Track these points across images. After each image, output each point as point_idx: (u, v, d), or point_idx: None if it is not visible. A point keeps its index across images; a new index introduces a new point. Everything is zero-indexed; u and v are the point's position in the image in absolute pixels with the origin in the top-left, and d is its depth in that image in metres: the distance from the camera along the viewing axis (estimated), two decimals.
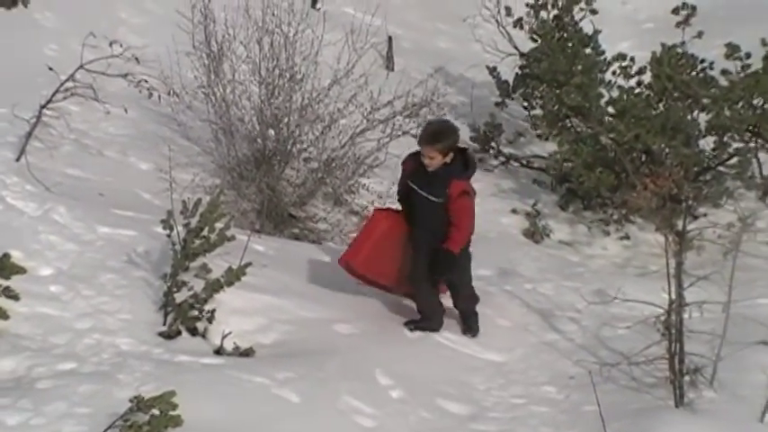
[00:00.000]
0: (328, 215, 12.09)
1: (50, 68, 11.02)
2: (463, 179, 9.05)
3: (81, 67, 10.80)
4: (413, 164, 9.17)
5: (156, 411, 6.81)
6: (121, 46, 10.75)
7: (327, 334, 9.04)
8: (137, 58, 10.94)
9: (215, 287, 8.72)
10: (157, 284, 8.90)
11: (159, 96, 11.39)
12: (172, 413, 6.83)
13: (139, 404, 6.82)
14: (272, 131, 11.99)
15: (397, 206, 9.60)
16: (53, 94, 10.75)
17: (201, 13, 12.08)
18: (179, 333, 8.59)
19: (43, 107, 10.75)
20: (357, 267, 9.32)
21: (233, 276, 8.74)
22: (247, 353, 8.53)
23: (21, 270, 7.86)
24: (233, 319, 8.78)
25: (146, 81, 11.01)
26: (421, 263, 9.22)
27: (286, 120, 11.94)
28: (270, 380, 7.89)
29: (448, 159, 8.94)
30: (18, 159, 10.39)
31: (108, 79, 11.00)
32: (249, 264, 8.83)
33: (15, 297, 7.88)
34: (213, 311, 8.73)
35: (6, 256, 7.81)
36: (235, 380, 7.82)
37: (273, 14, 12.05)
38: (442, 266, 9.14)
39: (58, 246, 9.16)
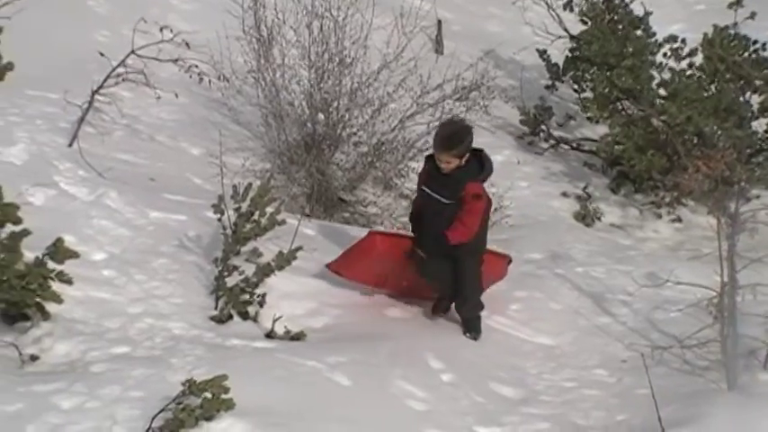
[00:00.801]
0: (378, 199, 12.08)
1: (102, 54, 11.09)
2: (478, 181, 8.80)
3: (132, 52, 10.87)
4: (426, 168, 9.00)
5: (208, 395, 6.84)
6: (172, 31, 10.81)
7: (378, 318, 9.05)
8: (187, 44, 10.99)
9: (266, 271, 8.74)
10: (208, 269, 8.95)
11: (210, 81, 11.44)
12: (224, 396, 6.86)
13: (192, 387, 6.85)
14: (321, 116, 11.99)
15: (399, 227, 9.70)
16: (104, 80, 10.82)
17: None
18: (230, 317, 8.63)
19: (95, 93, 10.82)
20: (345, 276, 9.28)
21: (283, 261, 8.77)
22: (298, 337, 8.55)
23: (74, 254, 7.91)
24: (284, 303, 8.81)
25: (196, 66, 11.06)
26: (431, 261, 8.94)
27: (335, 104, 11.94)
28: (321, 364, 7.90)
29: (464, 161, 8.73)
30: (70, 145, 10.46)
31: (159, 65, 11.05)
32: (300, 248, 8.85)
33: (69, 281, 7.95)
34: (264, 295, 8.76)
35: (60, 240, 7.86)
36: (286, 363, 7.84)
37: None
38: (437, 245, 8.83)
39: (111, 231, 9.21)
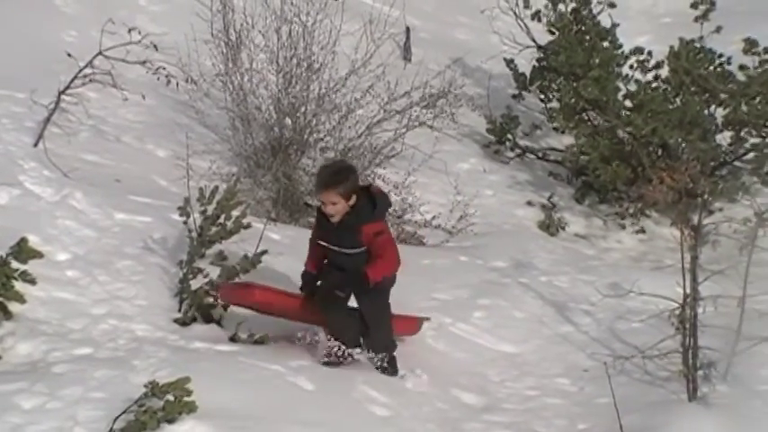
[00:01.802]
0: None
1: (69, 54, 11.05)
2: (373, 221, 7.96)
3: (100, 53, 10.84)
4: (317, 221, 8.30)
5: (170, 397, 6.82)
6: (140, 33, 10.78)
7: None
8: (155, 46, 10.97)
9: (230, 274, 8.74)
10: (173, 271, 8.93)
11: (177, 84, 11.42)
12: (186, 399, 6.85)
13: (154, 390, 6.84)
14: (288, 120, 12.00)
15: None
16: (71, 80, 10.79)
17: (220, 2, 12.10)
18: (194, 320, 8.61)
19: (62, 93, 10.79)
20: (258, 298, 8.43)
21: (248, 264, 8.77)
22: (262, 340, 8.54)
23: (38, 254, 7.90)
24: None
25: (164, 68, 11.04)
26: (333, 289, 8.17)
27: (303, 109, 11.94)
28: (284, 368, 7.90)
29: (352, 202, 7.87)
30: (36, 145, 10.43)
31: (126, 66, 11.03)
32: (265, 252, 8.86)
33: (32, 281, 7.92)
34: None
35: (24, 240, 7.85)
36: (249, 367, 7.83)
37: (292, 3, 12.06)
38: (356, 286, 8.12)
39: (75, 231, 9.18)
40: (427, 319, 9.12)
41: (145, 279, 8.84)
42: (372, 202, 7.98)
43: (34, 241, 8.13)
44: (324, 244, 8.11)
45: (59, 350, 7.74)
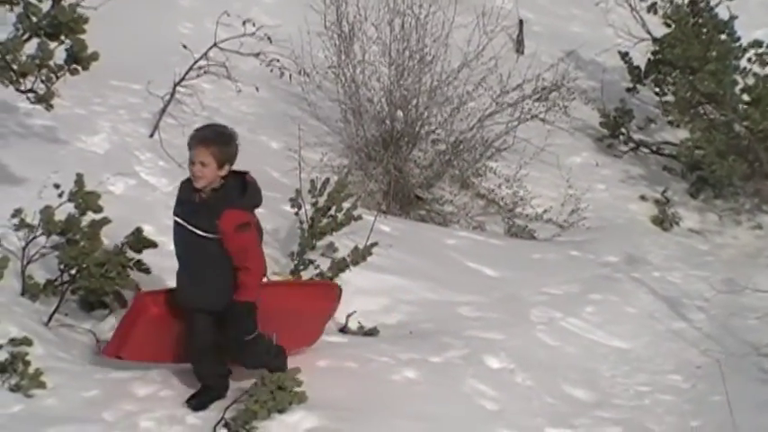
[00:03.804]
0: (455, 197, 12.07)
1: (185, 47, 11.16)
2: (239, 208, 6.81)
3: (214, 45, 10.93)
4: (179, 194, 7.03)
5: (280, 387, 6.87)
6: (254, 25, 10.84)
7: (452, 316, 9.03)
8: (269, 38, 11.02)
9: (341, 266, 8.77)
10: (284, 262, 8.99)
11: (290, 76, 11.48)
12: (297, 389, 6.89)
13: (265, 380, 6.90)
14: (400, 113, 12.01)
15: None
16: (186, 72, 10.91)
17: None
18: None
19: (177, 85, 10.91)
20: (126, 357, 7.20)
21: (359, 256, 8.79)
22: (371, 332, 8.57)
23: (152, 244, 7.98)
24: (358, 299, 8.81)
25: (277, 60, 11.10)
26: (198, 328, 7.03)
27: (415, 101, 11.95)
28: (393, 360, 7.92)
29: (223, 173, 6.75)
30: (152, 135, 10.56)
31: (240, 58, 11.11)
32: (375, 244, 8.87)
33: (147, 271, 8.02)
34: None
35: (139, 230, 7.94)
36: (358, 359, 7.86)
37: None
38: (239, 323, 6.94)
39: None
40: (339, 288, 8.10)
41: None
42: (243, 189, 6.88)
43: (149, 231, 8.20)
44: (178, 221, 6.90)
45: None
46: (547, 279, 10.04)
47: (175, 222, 6.91)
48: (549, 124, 12.46)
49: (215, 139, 6.74)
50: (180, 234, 6.91)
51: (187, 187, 6.87)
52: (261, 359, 7.19)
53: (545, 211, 12.13)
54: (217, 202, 6.74)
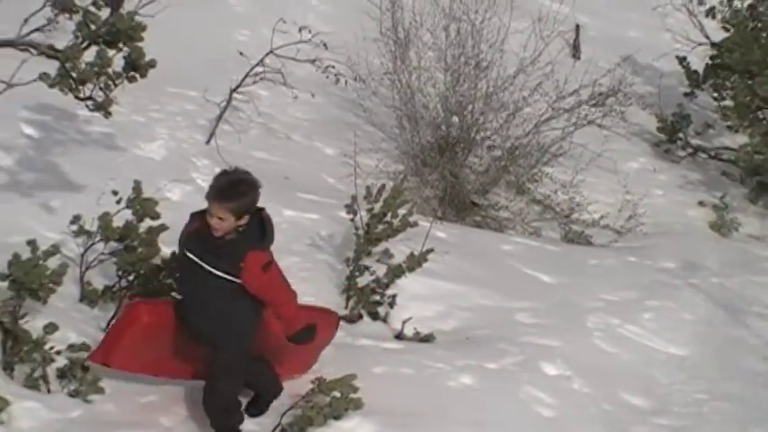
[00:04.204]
0: (510, 203, 12.02)
1: (241, 53, 11.22)
2: (261, 249, 6.60)
3: (271, 52, 10.97)
4: (194, 225, 6.68)
5: (337, 393, 6.89)
6: (310, 32, 10.87)
7: (508, 322, 9.00)
8: (325, 44, 11.06)
9: (397, 272, 8.77)
10: (340, 268, 9.00)
11: (345, 82, 11.49)
12: (353, 396, 6.91)
13: (321, 386, 6.91)
14: (456, 118, 11.99)
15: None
16: (243, 79, 10.95)
17: (389, 0, 12.16)
18: (360, 317, 8.69)
19: (233, 91, 10.96)
20: (112, 365, 6.91)
21: (414, 262, 8.78)
22: (427, 338, 8.57)
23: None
24: (413, 305, 8.82)
25: (333, 67, 11.12)
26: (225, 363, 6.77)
27: (470, 107, 11.92)
28: (449, 366, 7.91)
29: (241, 222, 6.51)
30: (208, 142, 10.62)
31: (296, 64, 11.14)
32: (431, 250, 8.85)
33: None
34: (394, 296, 8.79)
35: None
36: (414, 365, 7.86)
37: (461, 1, 12.06)
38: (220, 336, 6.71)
39: None
40: (338, 317, 7.96)
41: (312, 276, 8.92)
42: (262, 227, 6.66)
43: None
44: (193, 257, 6.60)
45: None
46: (604, 285, 9.97)
47: (187, 258, 6.61)
48: (606, 129, 12.37)
49: (231, 195, 6.45)
50: (193, 271, 6.59)
51: (202, 223, 6.56)
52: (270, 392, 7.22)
53: (602, 217, 12.06)
54: (239, 244, 6.50)
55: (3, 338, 6.71)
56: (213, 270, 6.49)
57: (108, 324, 7.22)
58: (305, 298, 8.54)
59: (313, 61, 11.08)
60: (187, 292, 6.72)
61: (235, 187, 6.50)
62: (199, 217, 6.61)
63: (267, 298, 6.65)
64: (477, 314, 9.08)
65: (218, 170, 9.96)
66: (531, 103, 12.04)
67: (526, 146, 12.01)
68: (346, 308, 8.69)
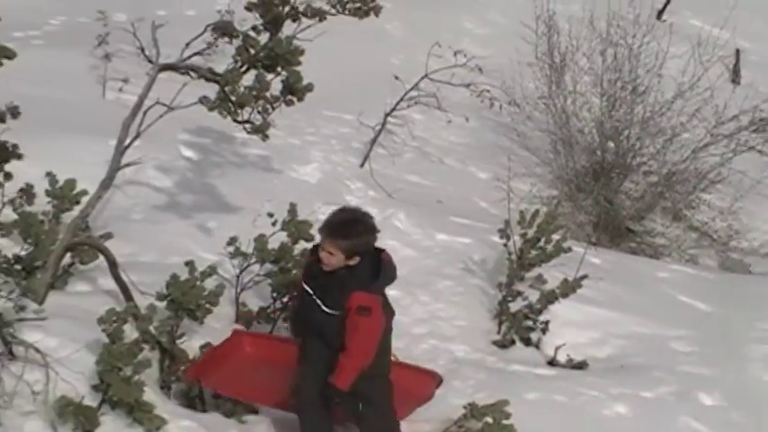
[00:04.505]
0: (667, 230, 11.84)
1: (396, 77, 11.28)
2: (369, 291, 6.37)
3: (425, 76, 11.01)
4: (311, 258, 6.64)
5: (489, 419, 6.83)
6: (465, 56, 10.89)
7: (664, 351, 8.81)
8: (480, 68, 11.06)
9: (550, 298, 8.68)
10: (492, 293, 8.95)
11: (500, 106, 11.48)
12: (505, 422, 6.84)
13: (473, 411, 6.87)
14: (611, 144, 11.89)
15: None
16: (397, 103, 11.01)
17: (546, 25, 12.14)
18: (513, 342, 8.61)
19: (388, 115, 11.02)
20: (208, 386, 6.98)
21: (568, 288, 8.68)
22: (581, 365, 8.45)
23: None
24: (567, 331, 8.71)
25: (488, 91, 11.11)
26: (310, 376, 6.64)
27: (627, 132, 11.81)
28: (604, 394, 7.78)
29: (352, 263, 6.37)
30: (362, 165, 10.69)
31: (450, 88, 11.16)
32: (585, 276, 8.74)
33: None
34: (547, 323, 8.70)
35: None
36: (568, 392, 7.76)
37: (618, 26, 11.96)
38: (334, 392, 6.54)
39: (398, 251, 9.29)
40: (440, 378, 7.46)
41: (464, 300, 8.90)
42: (376, 271, 6.46)
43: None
44: (306, 288, 6.56)
45: None
46: (763, 314, 9.71)
47: (304, 291, 6.56)
48: (767, 156, 12.12)
49: (343, 233, 6.32)
50: (306, 301, 6.54)
51: (317, 257, 6.48)
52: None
53: (761, 245, 11.78)
54: (347, 282, 6.35)
55: (160, 358, 6.82)
56: (320, 303, 6.43)
57: (205, 345, 7.23)
58: (457, 322, 8.57)
59: (468, 85, 11.09)
60: (304, 321, 6.64)
61: (348, 226, 6.38)
62: (315, 251, 6.56)
63: (347, 340, 6.37)
64: (632, 342, 8.92)
65: (371, 193, 10.17)
66: (689, 128, 11.86)
67: (683, 172, 11.82)
68: (498, 333, 8.62)
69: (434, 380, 7.36)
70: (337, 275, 6.37)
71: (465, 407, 6.94)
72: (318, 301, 6.43)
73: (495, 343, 8.52)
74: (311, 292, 6.47)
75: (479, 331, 8.58)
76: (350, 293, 6.30)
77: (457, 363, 8.06)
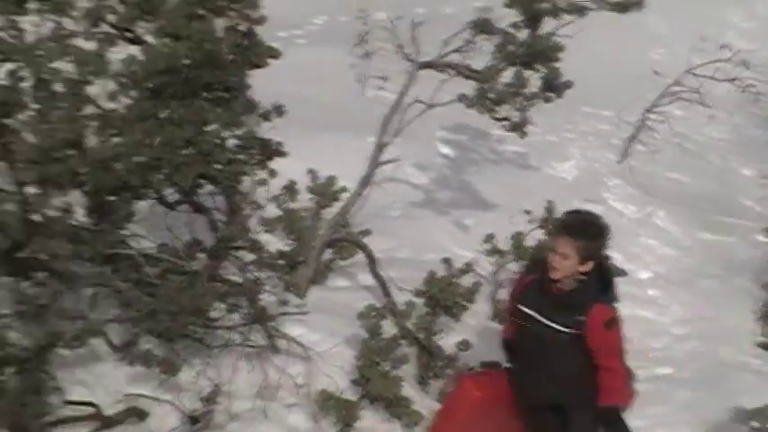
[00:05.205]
0: None
1: (656, 72, 11.06)
2: (606, 302, 5.86)
3: (688, 71, 10.76)
4: (525, 282, 6.08)
5: (755, 424, 6.63)
6: (730, 50, 10.58)
7: None
8: (745, 63, 10.73)
9: None
10: (757, 294, 8.67)
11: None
12: None
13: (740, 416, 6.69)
14: None
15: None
16: (658, 98, 10.79)
17: None
18: None
19: (648, 111, 10.81)
20: None
21: None
22: None
23: (622, 272, 7.91)
24: None
25: (753, 85, 10.76)
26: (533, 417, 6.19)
27: None
28: None
29: (584, 269, 5.79)
30: (620, 162, 10.53)
31: (713, 83, 10.86)
32: None
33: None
34: None
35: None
36: None
37: None
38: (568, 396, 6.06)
39: (657, 249, 9.18)
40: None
41: (727, 301, 8.67)
42: (603, 280, 5.91)
43: (616, 258, 8.15)
44: (526, 310, 5.96)
45: (641, 368, 7.69)
46: None
47: (521, 313, 5.98)
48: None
49: (584, 232, 5.78)
50: (527, 328, 5.97)
51: (537, 276, 5.95)
52: None
53: None
54: (581, 295, 5.81)
55: (418, 353, 6.88)
56: (550, 323, 5.87)
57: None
58: (719, 323, 8.34)
59: (732, 80, 10.76)
60: (522, 351, 6.14)
61: (589, 226, 5.84)
62: (533, 269, 6.08)
63: (601, 359, 5.89)
64: None
65: (629, 190, 10.00)
66: None
67: None
68: (762, 335, 8.34)
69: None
70: (567, 291, 5.82)
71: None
72: (546, 321, 5.87)
73: (760, 345, 8.26)
74: (536, 314, 5.90)
75: (744, 332, 8.34)
76: (589, 307, 5.79)
77: (720, 364, 7.84)
